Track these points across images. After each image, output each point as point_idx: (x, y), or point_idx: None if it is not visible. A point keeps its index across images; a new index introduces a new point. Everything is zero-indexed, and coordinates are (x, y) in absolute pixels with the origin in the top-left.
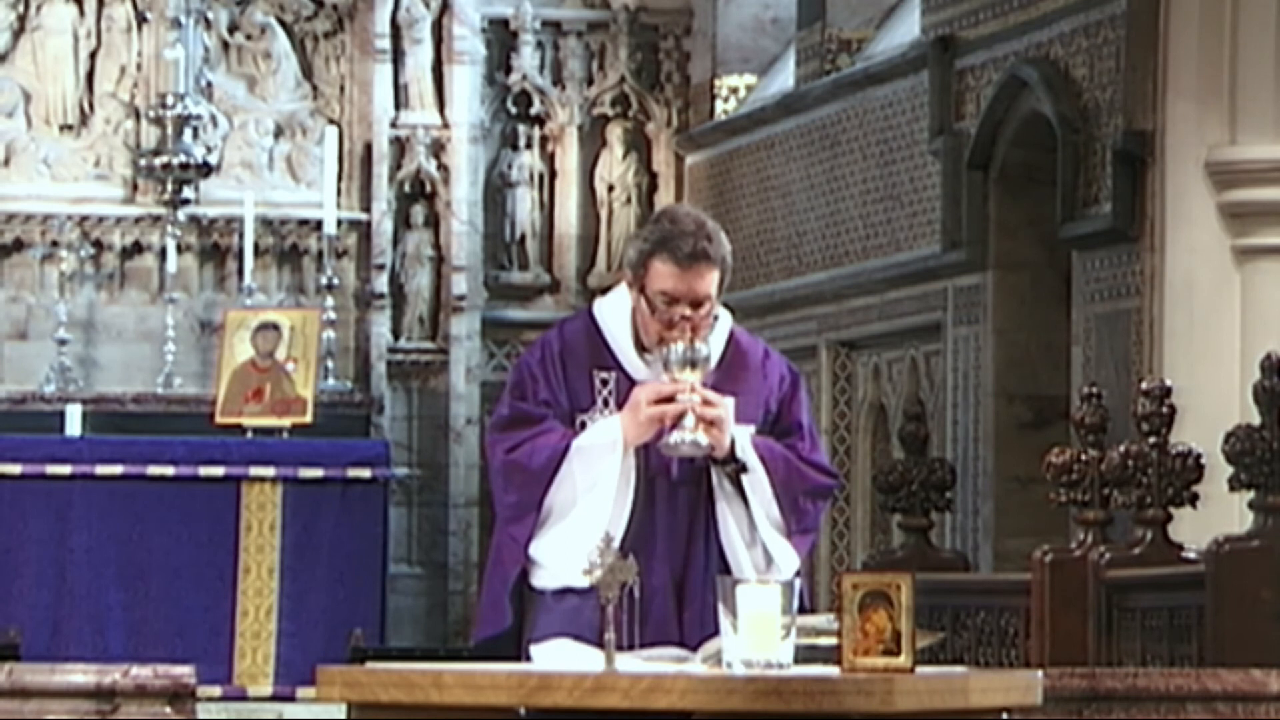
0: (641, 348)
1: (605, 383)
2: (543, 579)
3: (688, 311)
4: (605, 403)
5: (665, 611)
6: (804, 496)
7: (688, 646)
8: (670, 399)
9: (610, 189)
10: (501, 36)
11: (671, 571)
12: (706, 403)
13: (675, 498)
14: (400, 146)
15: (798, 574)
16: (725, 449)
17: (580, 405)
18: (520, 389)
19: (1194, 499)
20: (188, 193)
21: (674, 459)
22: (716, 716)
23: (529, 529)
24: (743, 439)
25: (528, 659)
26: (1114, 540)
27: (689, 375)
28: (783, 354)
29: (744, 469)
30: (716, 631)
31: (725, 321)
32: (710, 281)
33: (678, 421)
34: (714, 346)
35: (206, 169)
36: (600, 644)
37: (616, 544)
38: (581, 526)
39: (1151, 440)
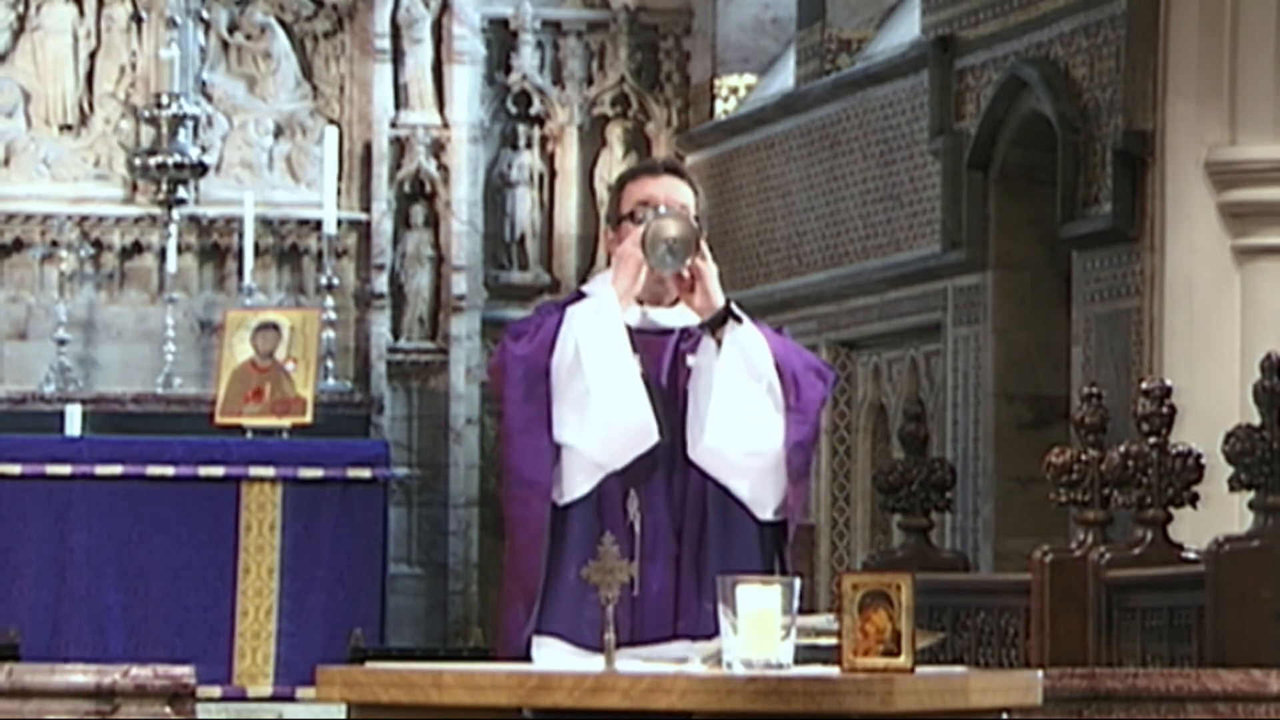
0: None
1: None
2: (566, 481)
3: None
4: None
5: (664, 545)
6: (802, 370)
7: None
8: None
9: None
10: (501, 36)
11: (671, 515)
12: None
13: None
14: (400, 146)
15: (789, 465)
16: (715, 299)
17: None
18: (518, 336)
19: (1194, 499)
20: (183, 193)
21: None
22: (716, 716)
23: (544, 409)
24: (736, 308)
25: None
26: (1114, 540)
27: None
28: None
29: (738, 320)
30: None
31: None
32: (684, 193)
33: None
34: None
35: (202, 169)
36: (599, 642)
37: (654, 427)
38: (595, 382)
39: (1151, 440)
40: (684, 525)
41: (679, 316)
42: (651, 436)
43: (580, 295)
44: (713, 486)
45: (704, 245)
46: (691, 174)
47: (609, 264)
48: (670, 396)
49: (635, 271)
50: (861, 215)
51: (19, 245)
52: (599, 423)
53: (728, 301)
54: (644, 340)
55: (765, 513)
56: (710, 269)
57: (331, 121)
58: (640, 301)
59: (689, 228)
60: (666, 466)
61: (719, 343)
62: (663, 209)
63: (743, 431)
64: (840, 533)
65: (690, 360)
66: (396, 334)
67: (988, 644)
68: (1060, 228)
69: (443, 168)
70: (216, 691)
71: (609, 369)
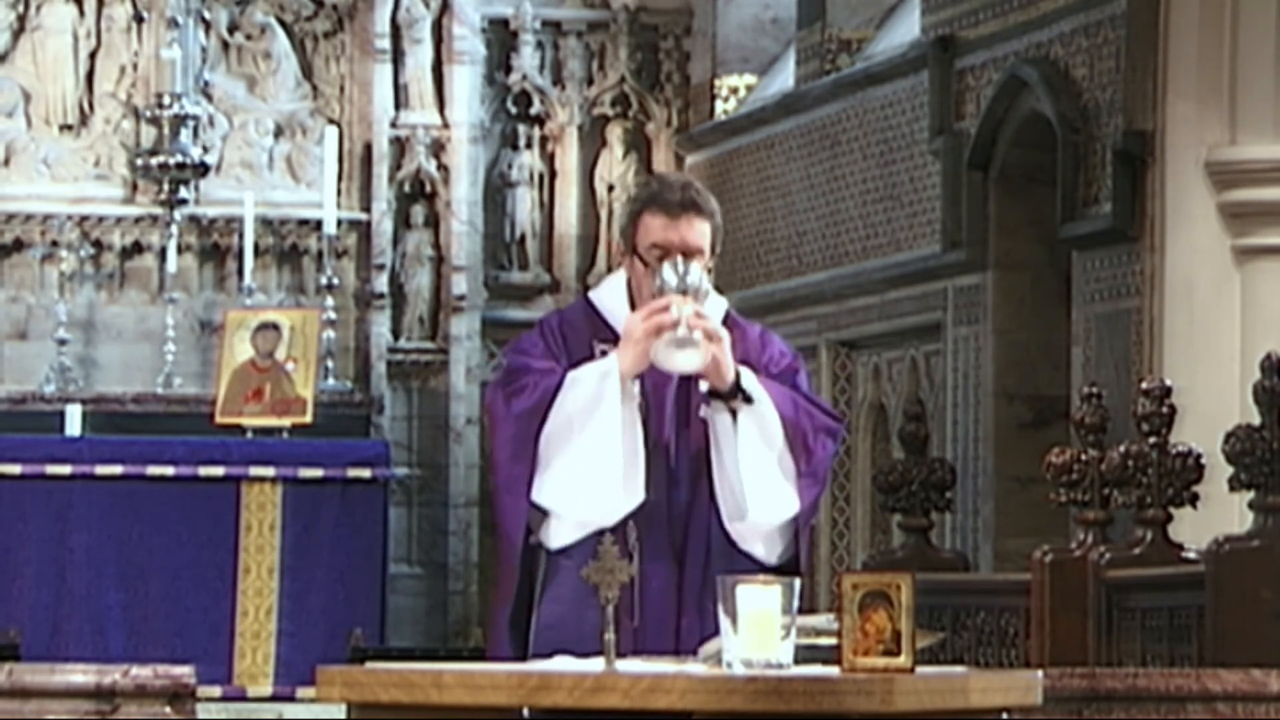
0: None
1: (605, 354)
2: (554, 532)
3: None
4: None
5: (665, 583)
6: (813, 433)
7: (683, 637)
8: (664, 310)
9: (610, 189)
10: (501, 36)
11: (672, 544)
12: (701, 316)
13: (676, 473)
14: (400, 146)
15: (797, 520)
16: (727, 379)
17: None
18: (521, 354)
19: (1194, 499)
20: (185, 193)
21: (671, 416)
22: (716, 716)
23: (528, 471)
24: (748, 374)
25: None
26: (1114, 540)
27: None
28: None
29: (749, 400)
30: (716, 630)
31: (721, 303)
32: (701, 233)
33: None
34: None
35: (203, 169)
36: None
37: (640, 484)
38: (584, 456)
39: (1151, 440)
40: (684, 577)
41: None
42: (637, 499)
43: (587, 303)
44: (718, 533)
45: (722, 332)
46: (709, 199)
47: (609, 268)
48: (677, 433)
49: (642, 358)
50: (861, 215)
51: (19, 245)
52: (584, 499)
53: (738, 375)
54: (649, 371)
55: (772, 560)
56: (724, 348)
57: (331, 121)
58: None
59: (700, 358)
60: (666, 512)
61: (733, 413)
62: (680, 332)
63: (766, 506)
64: (840, 533)
65: (704, 412)
66: (396, 334)
67: (988, 644)
68: (1060, 228)
69: (443, 168)
70: (216, 691)
71: (601, 451)
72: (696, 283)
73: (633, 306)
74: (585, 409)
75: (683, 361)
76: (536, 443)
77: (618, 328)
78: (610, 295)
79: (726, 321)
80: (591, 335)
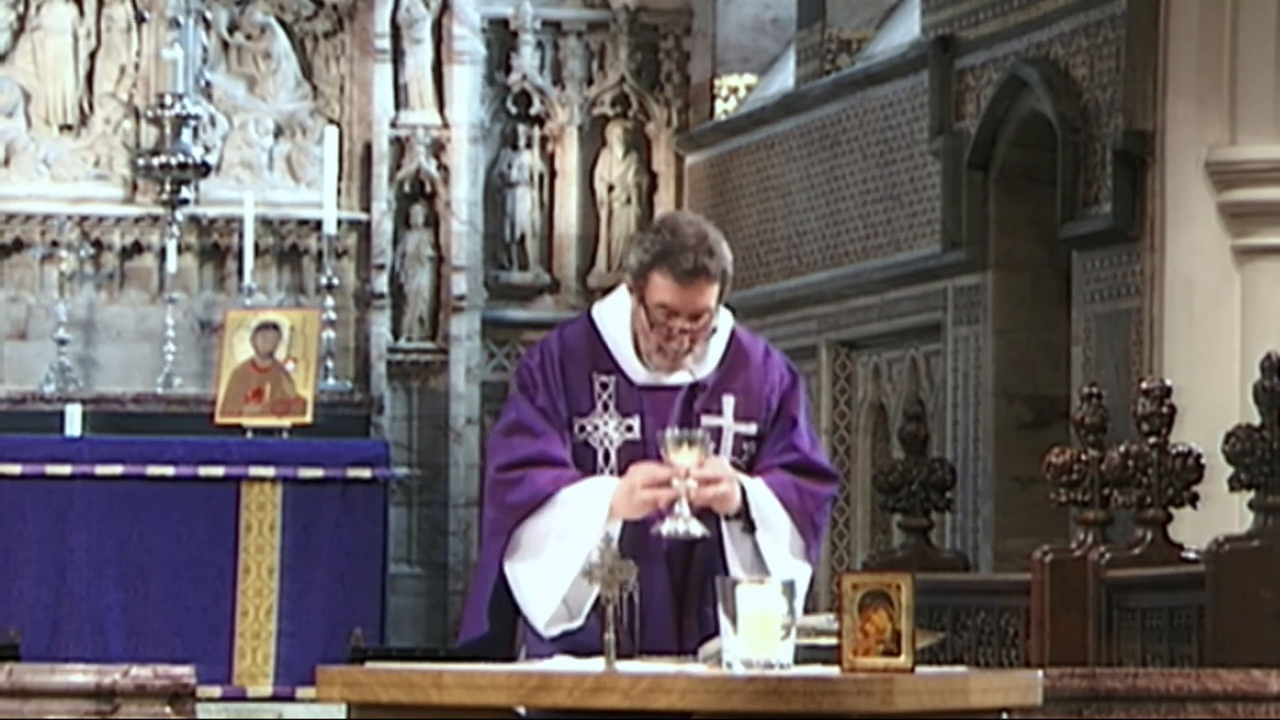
0: (641, 351)
1: (605, 386)
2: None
3: (686, 325)
4: (605, 406)
5: (664, 618)
6: (817, 511)
7: (686, 652)
8: (666, 483)
9: (610, 189)
10: (501, 36)
11: (672, 583)
12: (704, 481)
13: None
14: (400, 146)
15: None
16: (734, 506)
17: (580, 410)
18: (524, 390)
19: (1194, 499)
20: (186, 193)
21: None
22: (716, 716)
23: (502, 547)
24: (754, 491)
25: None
26: (1114, 540)
27: (685, 456)
28: (783, 354)
29: (754, 529)
30: (716, 632)
31: (727, 322)
32: (709, 295)
33: (672, 507)
34: (715, 349)
35: (205, 169)
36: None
37: (585, 611)
38: (549, 573)
39: (1151, 440)
40: (684, 605)
41: (686, 375)
42: (576, 623)
43: (590, 324)
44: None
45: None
46: (721, 256)
47: (609, 268)
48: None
49: (639, 511)
50: (861, 215)
51: (19, 245)
52: (532, 601)
53: (744, 492)
54: (651, 397)
55: None
56: (730, 484)
57: (331, 121)
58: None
59: (702, 529)
60: (669, 544)
61: (746, 528)
62: (682, 513)
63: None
64: (840, 533)
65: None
66: (396, 334)
67: (988, 644)
68: (1060, 228)
69: (443, 168)
70: (216, 691)
71: (561, 574)
72: (699, 439)
73: (636, 340)
74: (563, 531)
75: (687, 531)
76: (510, 537)
77: (619, 359)
78: (614, 323)
79: (730, 342)
80: (592, 367)
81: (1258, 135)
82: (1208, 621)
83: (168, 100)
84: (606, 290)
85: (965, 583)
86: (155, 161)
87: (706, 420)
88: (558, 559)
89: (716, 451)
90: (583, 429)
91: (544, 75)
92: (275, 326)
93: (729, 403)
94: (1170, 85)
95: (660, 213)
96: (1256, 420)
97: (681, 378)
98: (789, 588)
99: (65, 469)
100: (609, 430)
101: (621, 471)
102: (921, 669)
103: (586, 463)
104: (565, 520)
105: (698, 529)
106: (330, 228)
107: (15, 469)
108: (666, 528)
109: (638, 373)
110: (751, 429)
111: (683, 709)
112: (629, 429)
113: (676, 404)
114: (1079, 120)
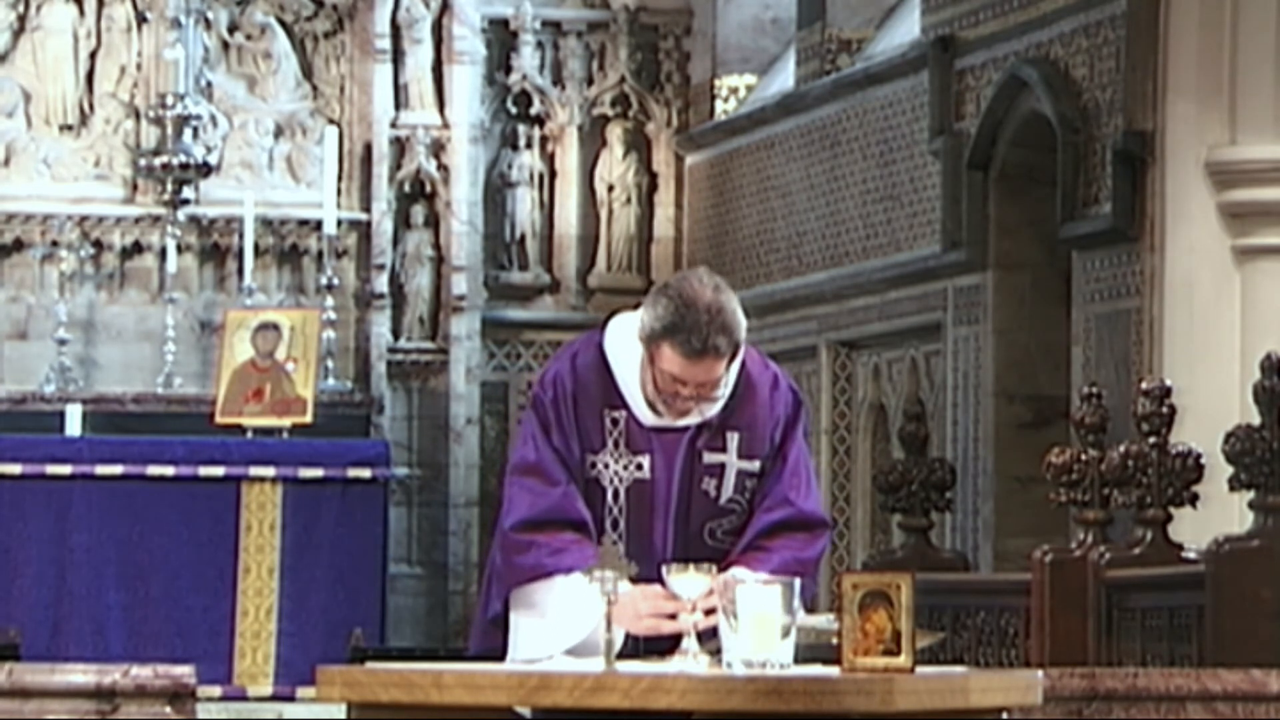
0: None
1: (616, 423)
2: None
3: (694, 391)
4: (615, 444)
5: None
6: (812, 573)
7: None
8: (671, 616)
9: (610, 189)
10: (501, 36)
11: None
12: (708, 611)
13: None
14: (400, 146)
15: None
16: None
17: (591, 446)
18: (544, 427)
19: (1194, 499)
20: (187, 193)
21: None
22: (716, 716)
23: (505, 592)
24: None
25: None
26: (1114, 540)
27: (689, 583)
28: (786, 357)
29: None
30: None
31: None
32: (719, 369)
33: (676, 646)
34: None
35: (206, 169)
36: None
37: None
38: (542, 634)
39: (1151, 440)
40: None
41: (696, 416)
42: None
43: (601, 357)
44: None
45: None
46: (733, 331)
47: (609, 268)
48: (683, 493)
49: (639, 631)
50: (861, 215)
51: (19, 245)
52: (523, 645)
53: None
54: (661, 438)
55: None
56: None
57: (331, 121)
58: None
59: (708, 659)
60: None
61: None
62: (689, 645)
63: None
64: (840, 533)
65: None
66: (396, 334)
67: (988, 644)
68: (1060, 228)
69: (443, 168)
70: (216, 691)
71: (552, 646)
72: (704, 568)
73: (644, 387)
74: (561, 621)
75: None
76: (516, 587)
77: (629, 398)
78: (625, 364)
79: (740, 376)
80: (604, 404)
81: (1258, 135)
82: (1208, 621)
83: (168, 100)
84: (607, 290)
85: (965, 583)
86: (155, 161)
87: (710, 457)
88: (557, 629)
89: (719, 489)
90: (594, 465)
91: (544, 75)
92: (275, 326)
93: (734, 440)
94: (1170, 85)
95: (676, 275)
96: (1256, 420)
97: (691, 418)
98: (789, 588)
99: (65, 469)
100: (618, 469)
101: (629, 512)
102: (921, 669)
103: (596, 501)
104: (562, 608)
105: (705, 662)
106: (330, 228)
107: (15, 469)
108: (674, 666)
109: (646, 416)
110: (754, 466)
111: (683, 709)
112: (639, 467)
113: (683, 443)
114: (1079, 120)
